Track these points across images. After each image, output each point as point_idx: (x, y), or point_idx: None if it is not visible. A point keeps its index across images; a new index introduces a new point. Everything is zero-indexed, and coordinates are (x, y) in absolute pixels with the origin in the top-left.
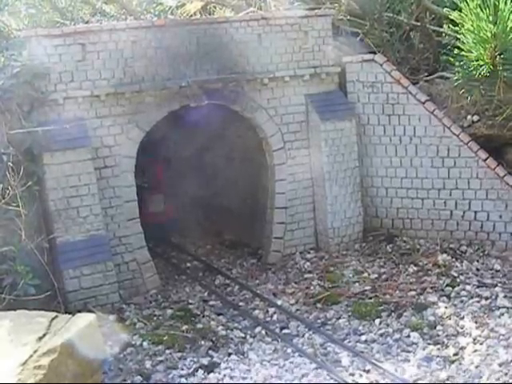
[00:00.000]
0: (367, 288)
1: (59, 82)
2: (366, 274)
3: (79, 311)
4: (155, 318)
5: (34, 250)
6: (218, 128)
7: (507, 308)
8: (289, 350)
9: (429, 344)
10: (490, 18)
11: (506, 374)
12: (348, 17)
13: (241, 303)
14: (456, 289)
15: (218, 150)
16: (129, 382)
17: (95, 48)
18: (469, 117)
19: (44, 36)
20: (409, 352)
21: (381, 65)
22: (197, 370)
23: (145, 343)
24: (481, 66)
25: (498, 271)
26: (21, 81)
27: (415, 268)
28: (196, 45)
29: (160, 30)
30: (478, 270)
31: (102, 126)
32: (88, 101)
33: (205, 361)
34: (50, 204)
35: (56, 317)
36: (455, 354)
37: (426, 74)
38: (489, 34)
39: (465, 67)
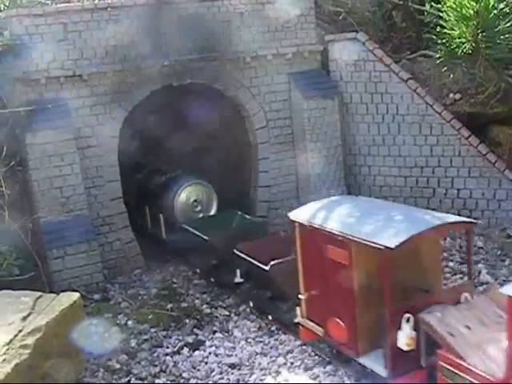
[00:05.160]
0: None
1: (41, 62)
2: None
3: (64, 291)
4: (140, 298)
5: (18, 230)
6: None
7: (490, 284)
8: (273, 328)
9: None
10: None
11: None
12: None
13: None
14: None
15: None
16: (114, 361)
17: (77, 27)
18: (451, 95)
19: (25, 16)
20: None
21: (363, 43)
22: (182, 348)
23: (130, 322)
24: (463, 43)
25: (480, 248)
26: (2, 61)
27: None
28: (178, 23)
29: (142, 9)
30: (460, 247)
31: (84, 105)
32: (70, 80)
33: (190, 339)
34: (33, 184)
35: (40, 296)
36: None
37: (408, 53)
38: (471, 12)
39: (447, 45)
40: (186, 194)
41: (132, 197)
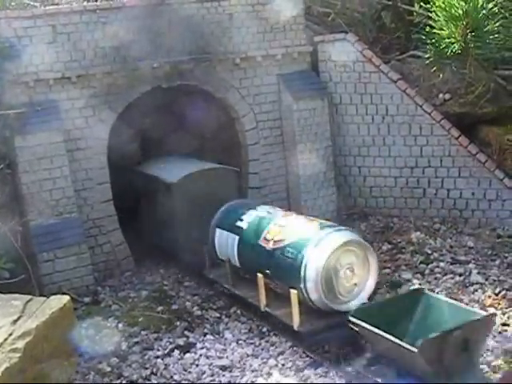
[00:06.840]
0: None
1: (30, 64)
2: None
3: (54, 294)
4: (130, 300)
5: (8, 233)
6: None
7: (481, 284)
8: (264, 329)
9: None
10: None
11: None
12: None
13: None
14: (430, 266)
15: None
16: (105, 364)
17: (66, 29)
18: (441, 95)
19: (14, 18)
20: None
21: (352, 44)
22: (173, 351)
23: (120, 325)
24: (452, 43)
25: (471, 248)
26: None
27: (389, 246)
28: (168, 25)
29: (131, 11)
30: (451, 247)
31: (73, 107)
32: (59, 83)
33: (181, 341)
34: (22, 187)
35: (30, 300)
36: None
37: (397, 53)
38: (460, 12)
39: (436, 45)
40: (334, 260)
41: (231, 252)
